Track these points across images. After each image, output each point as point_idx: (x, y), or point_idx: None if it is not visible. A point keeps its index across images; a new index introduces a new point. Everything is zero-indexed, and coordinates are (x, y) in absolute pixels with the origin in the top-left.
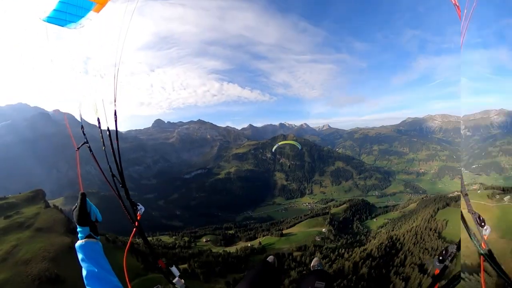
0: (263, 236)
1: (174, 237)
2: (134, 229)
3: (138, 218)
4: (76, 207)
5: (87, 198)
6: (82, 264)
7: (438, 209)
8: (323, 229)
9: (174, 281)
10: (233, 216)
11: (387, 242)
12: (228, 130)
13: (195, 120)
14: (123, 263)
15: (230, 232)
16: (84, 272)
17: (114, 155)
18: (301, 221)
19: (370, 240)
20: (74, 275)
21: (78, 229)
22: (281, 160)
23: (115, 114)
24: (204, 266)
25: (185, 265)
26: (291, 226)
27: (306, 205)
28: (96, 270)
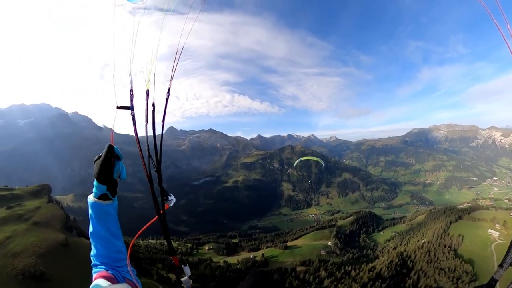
0: (267, 247)
1: (177, 242)
2: (156, 216)
3: (166, 208)
4: (98, 158)
5: (118, 150)
6: (90, 219)
7: (450, 223)
8: (329, 242)
9: (182, 279)
10: (238, 225)
11: (397, 259)
12: (237, 139)
13: (207, 129)
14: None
15: (234, 241)
16: (90, 228)
17: (154, 137)
18: (307, 233)
19: (378, 256)
20: (61, 274)
21: (94, 183)
22: (288, 171)
23: (168, 91)
24: (198, 279)
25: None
26: (296, 238)
27: (312, 216)
28: (102, 232)
